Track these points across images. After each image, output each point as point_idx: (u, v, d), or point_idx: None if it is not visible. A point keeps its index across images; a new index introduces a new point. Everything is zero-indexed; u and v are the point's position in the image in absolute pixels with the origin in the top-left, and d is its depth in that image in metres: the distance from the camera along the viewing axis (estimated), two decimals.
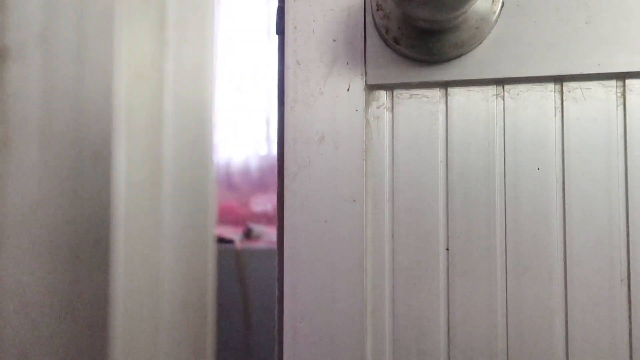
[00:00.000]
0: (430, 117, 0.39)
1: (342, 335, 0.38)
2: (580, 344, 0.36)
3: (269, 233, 1.44)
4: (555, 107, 0.38)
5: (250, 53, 1.63)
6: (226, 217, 1.59)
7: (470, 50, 0.38)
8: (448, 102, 0.39)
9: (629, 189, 0.37)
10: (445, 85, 0.39)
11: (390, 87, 0.40)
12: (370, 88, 0.40)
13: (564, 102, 0.38)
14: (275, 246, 0.42)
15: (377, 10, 0.39)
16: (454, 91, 0.39)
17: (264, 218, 1.57)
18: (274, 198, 0.42)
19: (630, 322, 0.36)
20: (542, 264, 0.37)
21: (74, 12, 0.47)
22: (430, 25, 0.36)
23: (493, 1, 0.37)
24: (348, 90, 0.39)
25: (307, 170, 0.39)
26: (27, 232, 0.48)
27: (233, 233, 1.45)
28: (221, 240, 1.37)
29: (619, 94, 0.37)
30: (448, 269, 0.38)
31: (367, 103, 0.40)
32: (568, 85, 0.38)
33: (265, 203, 1.59)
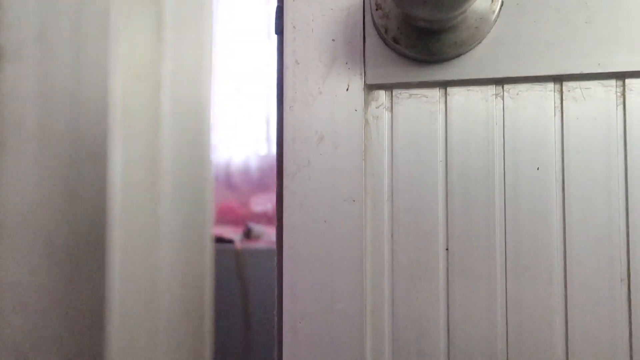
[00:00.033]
0: (430, 117, 0.39)
1: (342, 335, 0.38)
2: (580, 344, 0.36)
3: (269, 233, 1.44)
4: (554, 107, 0.38)
5: (250, 53, 1.63)
6: (226, 217, 1.59)
7: (470, 50, 0.38)
8: (447, 101, 0.39)
9: (629, 189, 0.36)
10: (444, 85, 0.39)
11: (389, 87, 0.40)
12: (370, 88, 0.40)
13: (564, 102, 0.37)
14: (275, 246, 0.42)
15: (377, 9, 0.38)
16: (453, 91, 0.39)
17: (264, 218, 1.57)
18: (273, 198, 0.42)
19: (630, 322, 0.36)
20: (541, 263, 0.37)
21: (71, 12, 0.47)
22: (430, 24, 0.36)
23: (492, 0, 0.37)
24: (347, 90, 0.39)
25: (306, 170, 0.39)
26: (24, 233, 0.48)
27: (233, 233, 1.45)
28: (221, 240, 1.37)
29: (618, 94, 0.37)
30: (448, 269, 0.38)
31: (367, 103, 0.40)
32: (568, 85, 0.37)
33: (265, 203, 1.59)
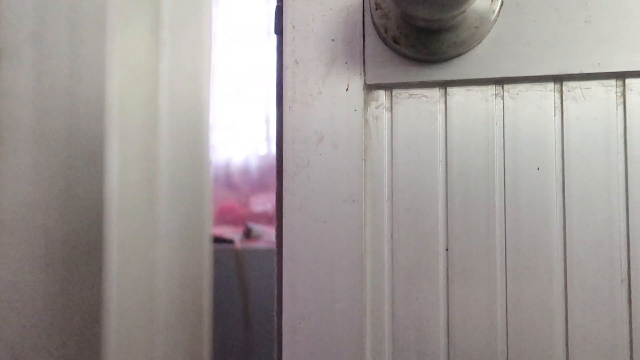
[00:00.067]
0: (430, 117, 0.39)
1: (342, 335, 0.38)
2: (580, 344, 0.36)
3: (269, 233, 1.44)
4: (554, 107, 0.38)
5: (250, 53, 1.63)
6: (226, 217, 1.59)
7: (470, 50, 0.38)
8: (447, 101, 0.39)
9: (629, 189, 0.36)
10: (444, 85, 0.39)
11: (389, 87, 0.40)
12: (369, 88, 0.40)
13: (564, 102, 0.37)
14: (275, 246, 0.42)
15: (376, 9, 0.38)
16: (453, 91, 0.39)
17: (264, 218, 1.57)
18: (273, 198, 0.42)
19: (630, 323, 0.36)
20: (542, 264, 0.37)
21: (67, 12, 0.47)
22: (429, 24, 0.36)
23: (492, 0, 0.37)
24: (347, 90, 0.39)
25: (305, 171, 0.39)
26: (21, 233, 0.48)
27: (233, 233, 1.45)
28: (221, 240, 1.37)
29: (618, 94, 0.37)
30: (448, 269, 0.38)
31: (366, 103, 0.40)
32: (568, 85, 0.37)
33: (265, 203, 1.59)
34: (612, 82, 0.37)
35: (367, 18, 0.39)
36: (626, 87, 0.37)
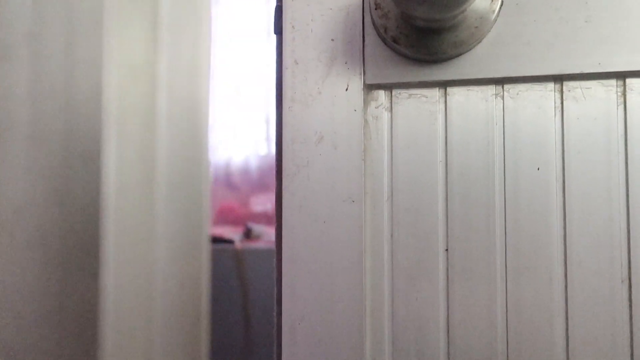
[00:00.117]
0: (430, 117, 0.39)
1: (341, 336, 0.38)
2: (580, 345, 0.36)
3: (269, 233, 1.44)
4: (555, 107, 0.38)
5: (250, 53, 1.63)
6: (226, 217, 1.58)
7: (470, 50, 0.38)
8: (447, 101, 0.39)
9: (630, 189, 0.36)
10: (444, 84, 0.39)
11: (389, 87, 0.40)
12: (369, 88, 0.40)
13: (564, 102, 0.37)
14: (274, 246, 0.42)
15: (376, 9, 0.38)
16: (453, 91, 0.39)
17: (264, 218, 1.57)
18: (273, 198, 0.41)
19: (631, 323, 0.36)
20: (542, 264, 0.37)
21: (63, 11, 0.47)
22: (429, 24, 0.36)
23: (492, 0, 0.37)
24: (347, 90, 0.39)
25: (305, 171, 0.39)
26: (17, 233, 0.48)
27: (233, 233, 1.45)
28: (221, 240, 1.37)
29: (619, 93, 0.37)
30: (447, 270, 0.38)
31: (366, 103, 0.39)
32: (568, 85, 0.37)
33: (265, 203, 1.59)
34: (613, 82, 0.37)
35: (367, 18, 0.39)
36: (627, 87, 0.37)
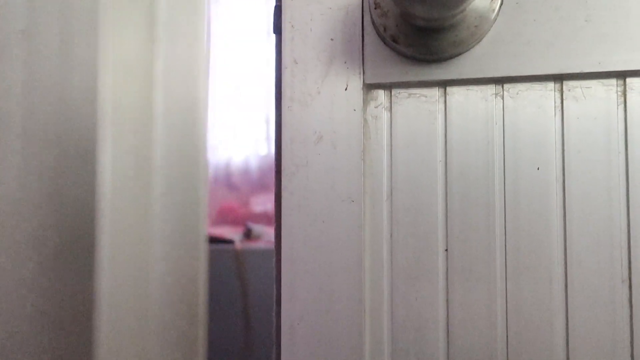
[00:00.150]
0: (429, 117, 0.39)
1: (341, 336, 0.38)
2: (581, 345, 0.36)
3: (269, 233, 1.44)
4: (555, 106, 0.37)
5: (250, 53, 1.63)
6: (226, 217, 1.58)
7: (469, 49, 0.38)
8: (447, 101, 0.39)
9: (630, 189, 0.36)
10: (444, 84, 0.39)
11: (388, 86, 0.39)
12: (369, 87, 0.39)
13: (564, 101, 0.37)
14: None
15: (375, 8, 0.38)
16: (452, 90, 0.39)
17: (264, 218, 1.56)
18: (273, 198, 0.41)
19: (631, 324, 0.36)
20: (542, 264, 0.37)
21: (58, 8, 0.46)
22: (429, 23, 0.36)
23: None
24: (346, 89, 0.39)
25: (304, 170, 0.39)
26: (10, 232, 0.47)
27: (233, 233, 1.45)
28: (221, 240, 1.37)
29: (619, 93, 0.37)
30: (447, 269, 0.38)
31: (365, 102, 0.39)
32: (568, 84, 0.37)
33: (265, 203, 1.59)
34: (613, 81, 0.37)
35: (366, 17, 0.39)
36: (627, 87, 0.36)
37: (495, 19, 0.37)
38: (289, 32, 0.40)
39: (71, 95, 0.47)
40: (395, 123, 0.39)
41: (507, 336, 0.37)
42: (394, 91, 0.39)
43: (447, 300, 0.38)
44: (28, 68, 0.48)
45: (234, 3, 1.64)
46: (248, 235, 1.44)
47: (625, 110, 0.37)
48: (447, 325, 0.38)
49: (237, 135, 1.65)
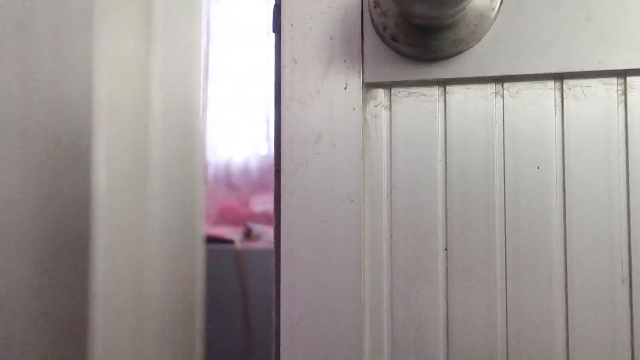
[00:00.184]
0: (429, 116, 0.39)
1: (340, 335, 0.38)
2: (581, 345, 0.36)
3: (269, 233, 1.44)
4: (555, 105, 0.37)
5: (250, 52, 1.63)
6: (226, 217, 1.58)
7: (469, 48, 0.37)
8: (447, 100, 0.39)
9: (630, 188, 0.36)
10: (443, 83, 0.39)
11: (388, 85, 0.39)
12: (368, 86, 0.39)
13: (564, 100, 0.37)
14: None
15: (375, 7, 0.38)
16: (452, 89, 0.38)
17: (264, 218, 1.56)
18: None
19: (631, 323, 0.36)
20: (542, 263, 0.37)
21: (53, 5, 0.46)
22: (428, 22, 0.36)
23: None
24: (345, 88, 0.39)
25: (303, 170, 0.39)
26: (3, 232, 0.47)
27: (233, 233, 1.45)
28: (221, 240, 1.37)
29: (619, 92, 0.37)
30: (447, 269, 0.38)
31: (365, 101, 0.39)
32: (568, 83, 0.37)
33: (265, 203, 1.59)
34: (613, 80, 0.37)
35: (366, 16, 0.39)
36: (627, 85, 0.36)
37: (495, 18, 0.37)
38: (289, 31, 0.40)
39: (67, 94, 0.46)
40: (394, 122, 0.39)
41: (506, 336, 0.37)
42: (393, 90, 0.39)
43: (447, 300, 0.38)
44: (22, 66, 0.47)
45: (233, 3, 1.64)
46: (248, 235, 1.43)
47: (625, 109, 0.36)
48: (447, 325, 0.38)
49: (237, 135, 1.65)
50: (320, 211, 0.39)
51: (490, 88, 0.38)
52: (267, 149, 1.64)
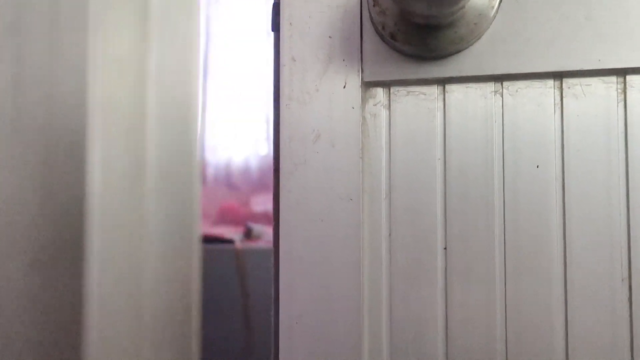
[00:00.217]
0: (428, 115, 0.39)
1: (339, 335, 0.38)
2: (580, 344, 0.36)
3: (269, 233, 1.44)
4: (554, 104, 0.37)
5: (250, 52, 1.63)
6: (226, 217, 1.58)
7: (469, 47, 0.37)
8: (446, 99, 0.38)
9: (630, 187, 0.36)
10: (443, 82, 0.38)
11: (387, 84, 0.39)
12: (367, 85, 0.39)
13: (564, 99, 0.37)
14: None
15: (374, 6, 0.38)
16: (451, 88, 0.38)
17: (264, 218, 1.56)
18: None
19: (631, 323, 0.36)
20: (541, 263, 0.37)
21: (47, 2, 0.46)
22: (427, 21, 0.36)
23: None
24: (344, 87, 0.39)
25: (303, 169, 0.39)
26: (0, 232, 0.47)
27: (233, 233, 1.44)
28: (221, 240, 1.37)
29: (619, 90, 0.36)
30: (446, 268, 0.38)
31: (364, 100, 0.39)
32: (568, 82, 0.37)
33: (265, 203, 1.59)
34: (613, 78, 0.36)
35: (365, 15, 0.39)
36: (627, 84, 0.36)
37: (494, 17, 0.37)
38: (288, 29, 0.40)
39: (61, 94, 0.46)
40: (394, 121, 0.39)
41: (506, 336, 0.37)
42: (392, 89, 0.39)
43: (446, 299, 0.38)
44: (16, 63, 0.47)
45: (233, 2, 1.64)
46: (248, 235, 1.43)
47: (625, 108, 0.36)
48: (446, 324, 0.38)
49: (237, 135, 1.65)
50: (320, 210, 0.38)
51: (490, 87, 0.38)
52: (267, 148, 1.64)
